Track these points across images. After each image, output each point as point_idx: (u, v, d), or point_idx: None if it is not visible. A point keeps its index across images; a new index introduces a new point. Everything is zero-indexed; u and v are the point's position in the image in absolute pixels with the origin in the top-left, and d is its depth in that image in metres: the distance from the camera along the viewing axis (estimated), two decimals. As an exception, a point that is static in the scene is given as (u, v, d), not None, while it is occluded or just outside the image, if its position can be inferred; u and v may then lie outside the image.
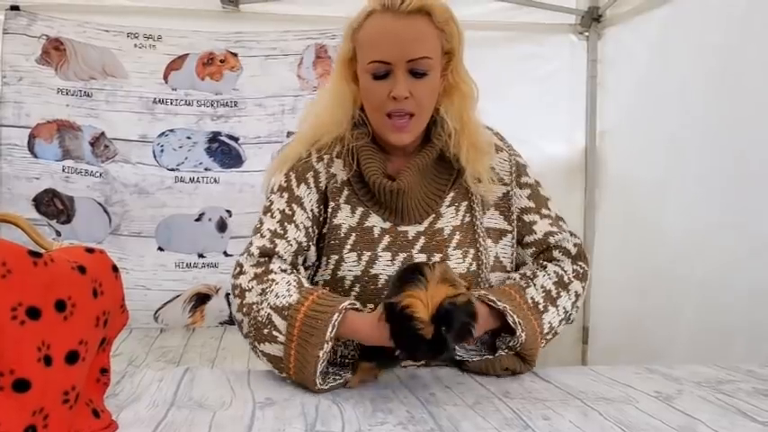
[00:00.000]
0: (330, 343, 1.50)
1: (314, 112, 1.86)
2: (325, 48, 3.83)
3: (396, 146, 1.73)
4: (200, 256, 3.80)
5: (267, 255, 1.68)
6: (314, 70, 3.85)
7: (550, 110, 3.92)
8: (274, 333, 1.56)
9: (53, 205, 3.65)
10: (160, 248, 3.75)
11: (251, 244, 1.71)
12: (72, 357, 1.19)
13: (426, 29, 1.63)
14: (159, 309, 3.77)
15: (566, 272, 1.77)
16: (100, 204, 3.69)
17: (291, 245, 1.70)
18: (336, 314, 1.51)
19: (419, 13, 1.62)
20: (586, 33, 3.96)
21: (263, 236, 1.71)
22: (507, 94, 3.65)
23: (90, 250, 1.33)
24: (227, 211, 3.81)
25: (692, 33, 3.03)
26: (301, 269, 1.73)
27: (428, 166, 1.75)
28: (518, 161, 1.84)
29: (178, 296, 3.78)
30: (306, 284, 1.62)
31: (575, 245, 1.81)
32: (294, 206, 1.73)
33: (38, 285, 1.15)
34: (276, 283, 1.60)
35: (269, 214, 1.74)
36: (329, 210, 1.74)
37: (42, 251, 1.21)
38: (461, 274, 1.70)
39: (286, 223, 1.71)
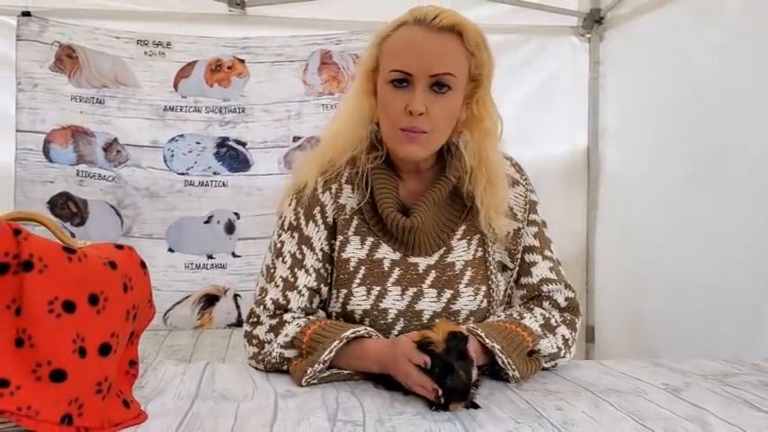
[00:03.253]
0: (322, 365, 1.53)
1: (331, 129, 1.78)
2: (330, 54, 3.83)
3: (408, 162, 1.68)
4: (210, 257, 3.79)
5: (281, 309, 1.67)
6: (319, 76, 3.84)
7: (552, 111, 3.92)
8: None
9: (67, 208, 3.64)
10: (170, 250, 3.75)
11: (265, 293, 1.70)
12: (105, 349, 1.20)
13: (456, 47, 1.58)
14: (169, 310, 3.76)
15: (553, 316, 1.71)
16: (112, 207, 3.68)
17: (303, 294, 1.68)
18: (337, 341, 1.53)
19: (451, 31, 1.57)
20: (588, 35, 3.94)
21: (276, 285, 1.69)
22: (510, 96, 3.65)
23: (119, 247, 1.35)
24: (236, 214, 3.80)
25: (694, 35, 3.02)
26: (319, 312, 1.73)
27: (442, 198, 1.70)
28: (532, 198, 1.79)
29: (188, 297, 3.78)
30: (313, 318, 1.65)
31: (566, 298, 1.74)
32: (304, 248, 1.70)
33: (72, 280, 1.17)
34: (285, 328, 1.64)
35: (281, 258, 1.71)
36: (337, 243, 1.70)
37: (76, 247, 1.22)
38: (473, 311, 1.68)
39: (296, 269, 1.69)
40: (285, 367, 1.63)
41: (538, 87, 3.89)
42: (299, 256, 1.70)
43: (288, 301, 1.67)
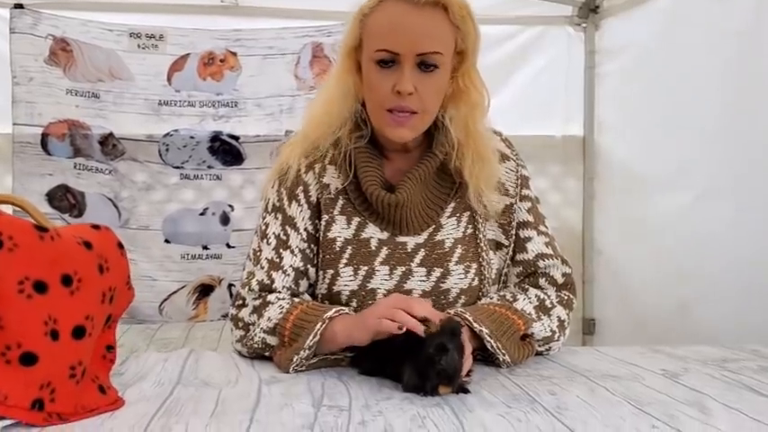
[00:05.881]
0: (308, 351, 1.44)
1: (313, 110, 1.67)
2: (322, 47, 3.74)
3: (394, 143, 1.58)
4: (205, 247, 3.74)
5: (266, 290, 1.59)
6: (310, 70, 3.76)
7: (548, 101, 3.83)
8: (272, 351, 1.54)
9: (65, 200, 3.57)
10: (167, 241, 3.69)
11: (252, 275, 1.61)
12: (78, 332, 1.11)
13: (441, 23, 1.48)
14: (165, 300, 3.69)
15: (548, 296, 1.63)
16: (110, 199, 3.62)
17: (288, 274, 1.59)
18: (320, 323, 1.44)
19: (436, 6, 1.46)
20: (584, 24, 3.83)
21: (261, 267, 1.60)
22: (506, 86, 3.62)
23: (96, 227, 1.25)
24: (230, 206, 3.75)
25: (689, 24, 2.95)
26: (305, 295, 1.64)
27: (429, 175, 1.60)
28: (523, 173, 1.69)
29: (183, 287, 3.72)
30: (296, 300, 1.56)
31: (563, 274, 1.66)
32: (288, 229, 1.62)
33: (44, 260, 1.08)
34: (269, 311, 1.54)
35: (265, 240, 1.63)
36: (323, 223, 1.61)
37: (49, 227, 1.13)
38: (463, 289, 1.59)
39: (281, 249, 1.61)
40: (267, 353, 1.54)
41: (534, 77, 3.80)
42: (284, 237, 1.62)
43: (272, 281, 1.58)
